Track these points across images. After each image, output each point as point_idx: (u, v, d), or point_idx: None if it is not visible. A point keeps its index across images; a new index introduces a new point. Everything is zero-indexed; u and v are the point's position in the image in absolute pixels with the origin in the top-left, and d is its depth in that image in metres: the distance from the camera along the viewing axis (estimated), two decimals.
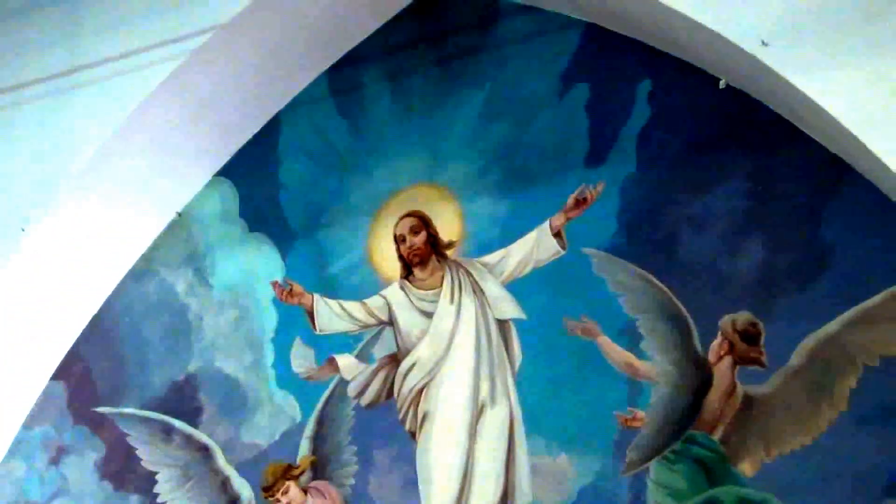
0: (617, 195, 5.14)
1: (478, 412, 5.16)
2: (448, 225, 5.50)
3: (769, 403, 4.65)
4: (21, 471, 6.05)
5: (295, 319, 5.69)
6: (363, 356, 5.51)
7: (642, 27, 5.13)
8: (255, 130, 6.07)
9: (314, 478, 5.45)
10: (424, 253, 5.47)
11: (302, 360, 5.63)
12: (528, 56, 5.48)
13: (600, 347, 4.99)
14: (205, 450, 5.72)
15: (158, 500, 5.74)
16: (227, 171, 6.11)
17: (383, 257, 5.60)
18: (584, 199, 5.18)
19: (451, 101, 5.60)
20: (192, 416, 5.79)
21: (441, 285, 5.40)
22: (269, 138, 6.04)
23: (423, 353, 5.35)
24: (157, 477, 5.78)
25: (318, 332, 5.61)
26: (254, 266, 5.90)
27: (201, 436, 5.75)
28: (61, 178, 5.71)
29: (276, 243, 5.88)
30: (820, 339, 4.61)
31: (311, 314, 5.61)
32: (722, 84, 4.98)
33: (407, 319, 5.44)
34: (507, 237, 5.33)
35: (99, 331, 6.12)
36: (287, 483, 5.43)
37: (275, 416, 5.63)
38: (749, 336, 4.74)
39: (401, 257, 5.54)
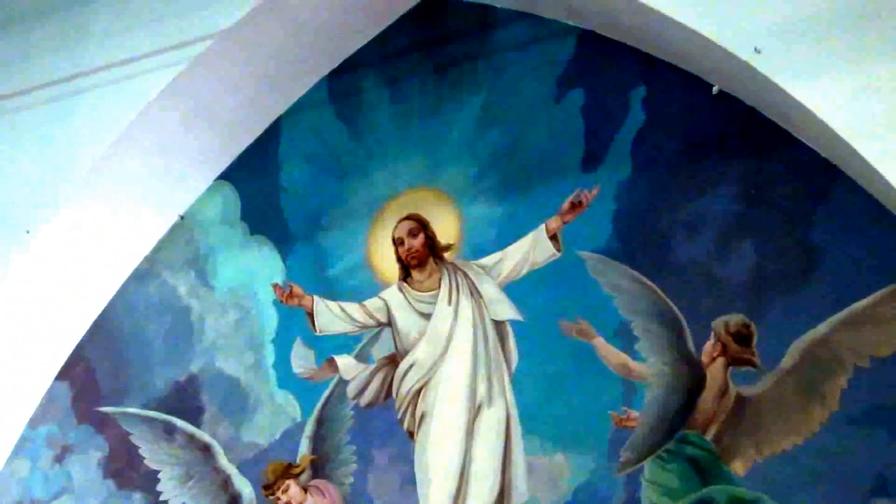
0: (612, 199, 5.14)
1: (475, 412, 5.16)
2: (446, 228, 5.49)
3: (761, 404, 4.65)
4: (26, 469, 6.05)
5: (295, 321, 5.68)
6: (362, 357, 5.51)
7: (637, 34, 5.13)
8: (256, 135, 6.07)
9: (314, 476, 5.45)
10: (422, 255, 5.47)
11: (302, 360, 5.63)
12: (525, 62, 5.48)
13: (595, 349, 4.99)
14: (206, 449, 5.72)
15: (161, 498, 5.73)
16: (228, 175, 6.11)
17: (382, 260, 5.60)
18: (580, 203, 5.18)
19: (449, 106, 5.60)
20: (194, 416, 5.79)
21: (439, 287, 5.40)
22: (269, 142, 6.04)
23: (421, 354, 5.34)
24: (159, 475, 5.77)
25: (317, 334, 5.61)
26: (255, 268, 5.90)
27: (203, 435, 5.75)
28: (65, 182, 5.71)
29: (276, 246, 5.88)
30: (811, 340, 4.62)
31: (310, 315, 5.61)
32: (715, 90, 4.99)
33: (405, 321, 5.44)
34: (504, 240, 5.33)
35: (102, 332, 6.12)
36: (287, 482, 5.42)
37: (275, 416, 5.62)
38: (741, 337, 4.74)
39: (399, 260, 5.53)
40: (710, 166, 4.96)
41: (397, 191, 5.66)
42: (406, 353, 5.39)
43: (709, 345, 4.79)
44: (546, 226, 5.22)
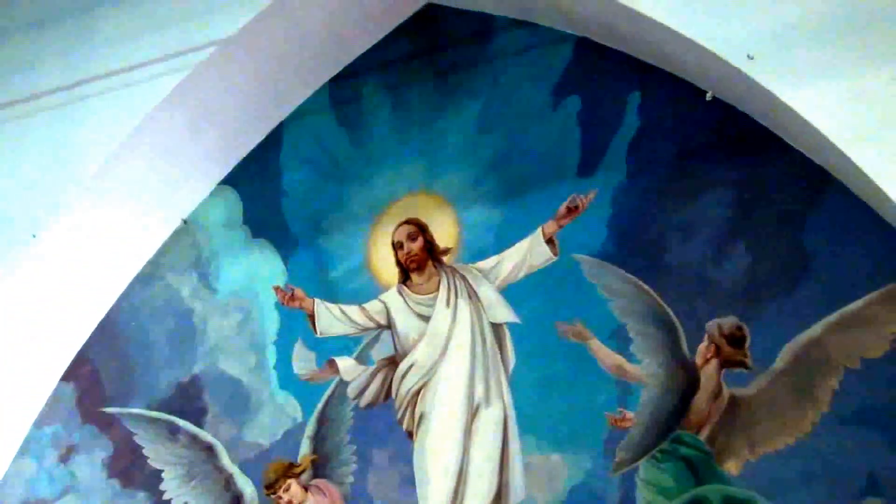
0: (607, 203, 5.14)
1: (473, 413, 5.15)
2: (444, 232, 5.49)
3: (754, 404, 4.65)
4: (31, 469, 6.03)
5: (296, 323, 5.68)
6: (362, 358, 5.50)
7: (632, 41, 5.14)
8: (259, 140, 6.06)
9: (315, 476, 5.44)
10: (421, 259, 5.47)
11: (303, 362, 5.62)
12: (522, 69, 5.49)
13: (591, 350, 4.99)
14: (209, 449, 5.71)
15: (164, 497, 5.72)
16: (231, 180, 6.11)
17: (382, 263, 5.60)
18: (576, 207, 5.18)
19: (448, 112, 5.60)
20: (197, 417, 5.78)
21: (438, 290, 5.40)
22: (271, 148, 6.04)
23: (420, 356, 5.34)
24: (162, 475, 5.76)
25: (318, 336, 5.60)
26: (257, 271, 5.89)
27: (206, 435, 5.74)
28: (71, 186, 5.70)
29: (278, 249, 5.87)
30: (803, 342, 4.62)
31: (311, 318, 5.61)
32: (709, 96, 4.99)
33: (405, 323, 5.43)
34: (502, 244, 5.33)
35: (107, 333, 6.11)
36: (288, 481, 5.42)
37: (277, 417, 5.62)
38: (735, 339, 4.74)
39: (399, 263, 5.53)
40: (703, 171, 4.97)
41: (397, 195, 5.66)
42: (405, 354, 5.38)
43: (702, 347, 4.79)
44: (543, 230, 5.22)
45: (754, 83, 4.49)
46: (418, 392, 5.30)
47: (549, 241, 5.20)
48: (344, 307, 5.58)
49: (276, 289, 5.74)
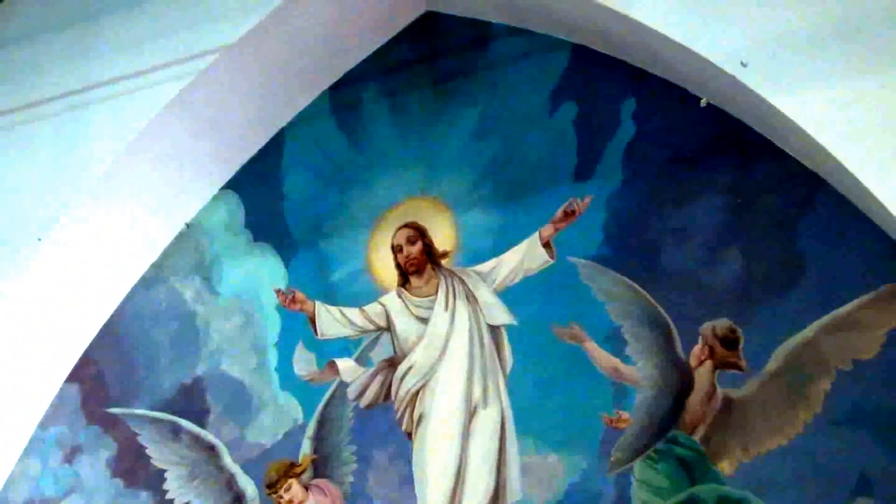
0: (603, 208, 5.14)
1: (471, 413, 5.14)
2: (443, 235, 5.49)
3: (747, 406, 4.64)
4: (37, 469, 6.02)
5: (297, 325, 5.67)
6: (362, 360, 5.49)
7: (627, 48, 5.13)
8: (260, 146, 6.06)
9: (315, 476, 5.43)
10: (420, 262, 5.46)
11: (304, 363, 5.61)
12: (519, 76, 5.49)
13: (587, 352, 4.98)
14: (211, 449, 5.70)
15: (167, 496, 5.70)
16: (233, 184, 6.10)
17: (382, 266, 5.59)
18: (572, 212, 5.18)
19: (446, 118, 5.60)
20: (200, 417, 5.77)
21: (436, 293, 5.39)
22: (273, 153, 6.03)
23: (419, 358, 5.33)
24: (165, 475, 5.75)
25: (319, 338, 5.59)
26: (258, 274, 5.88)
27: (208, 435, 5.73)
28: (76, 190, 5.69)
29: (279, 253, 5.86)
30: (796, 344, 4.61)
31: (312, 320, 5.60)
32: (703, 103, 4.99)
33: (404, 325, 5.43)
34: (499, 247, 5.32)
35: (111, 335, 6.09)
36: (289, 481, 5.40)
37: (278, 417, 5.60)
38: (728, 342, 4.73)
39: (398, 266, 5.53)
40: (697, 176, 4.97)
41: (396, 199, 5.65)
42: (405, 356, 5.37)
43: (697, 348, 4.78)
44: (540, 234, 5.22)
45: (748, 90, 4.49)
46: (417, 393, 5.29)
47: (546, 245, 5.20)
48: (344, 310, 5.58)
49: (278, 291, 5.73)
